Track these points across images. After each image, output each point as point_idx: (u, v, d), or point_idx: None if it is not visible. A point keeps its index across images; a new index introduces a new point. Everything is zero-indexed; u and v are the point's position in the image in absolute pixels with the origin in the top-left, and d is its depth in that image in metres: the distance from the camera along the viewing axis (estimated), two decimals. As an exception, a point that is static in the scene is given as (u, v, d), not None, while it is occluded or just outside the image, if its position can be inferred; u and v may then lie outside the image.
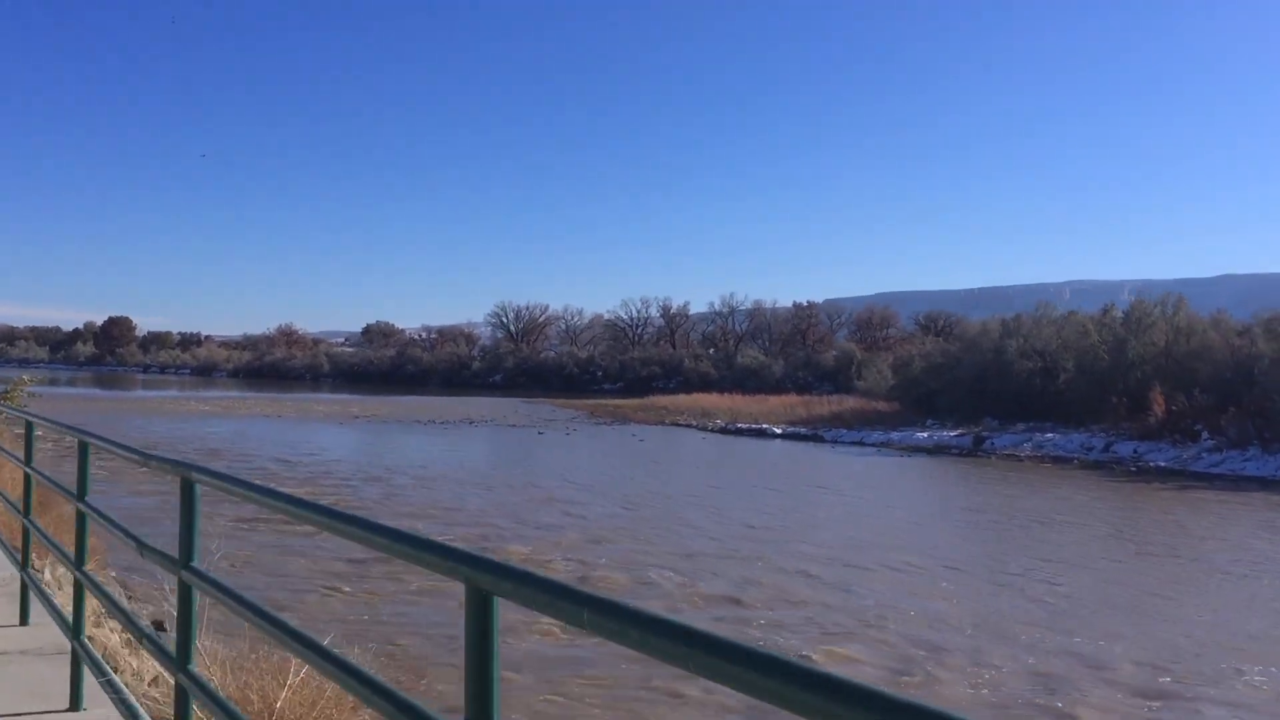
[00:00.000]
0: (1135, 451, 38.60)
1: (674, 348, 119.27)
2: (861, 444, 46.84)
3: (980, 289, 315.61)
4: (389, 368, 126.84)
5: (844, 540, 20.59)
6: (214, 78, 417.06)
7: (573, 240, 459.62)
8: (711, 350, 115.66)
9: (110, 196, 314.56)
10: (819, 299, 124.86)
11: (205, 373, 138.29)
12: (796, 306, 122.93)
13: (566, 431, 51.91)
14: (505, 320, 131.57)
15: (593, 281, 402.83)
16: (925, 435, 46.04)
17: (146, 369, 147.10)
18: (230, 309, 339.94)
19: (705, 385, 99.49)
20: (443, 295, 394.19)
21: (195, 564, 3.68)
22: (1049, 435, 42.54)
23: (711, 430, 55.20)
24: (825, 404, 60.57)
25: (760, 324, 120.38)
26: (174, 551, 3.90)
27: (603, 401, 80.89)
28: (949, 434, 45.73)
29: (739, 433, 53.15)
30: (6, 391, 19.49)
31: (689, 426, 58.35)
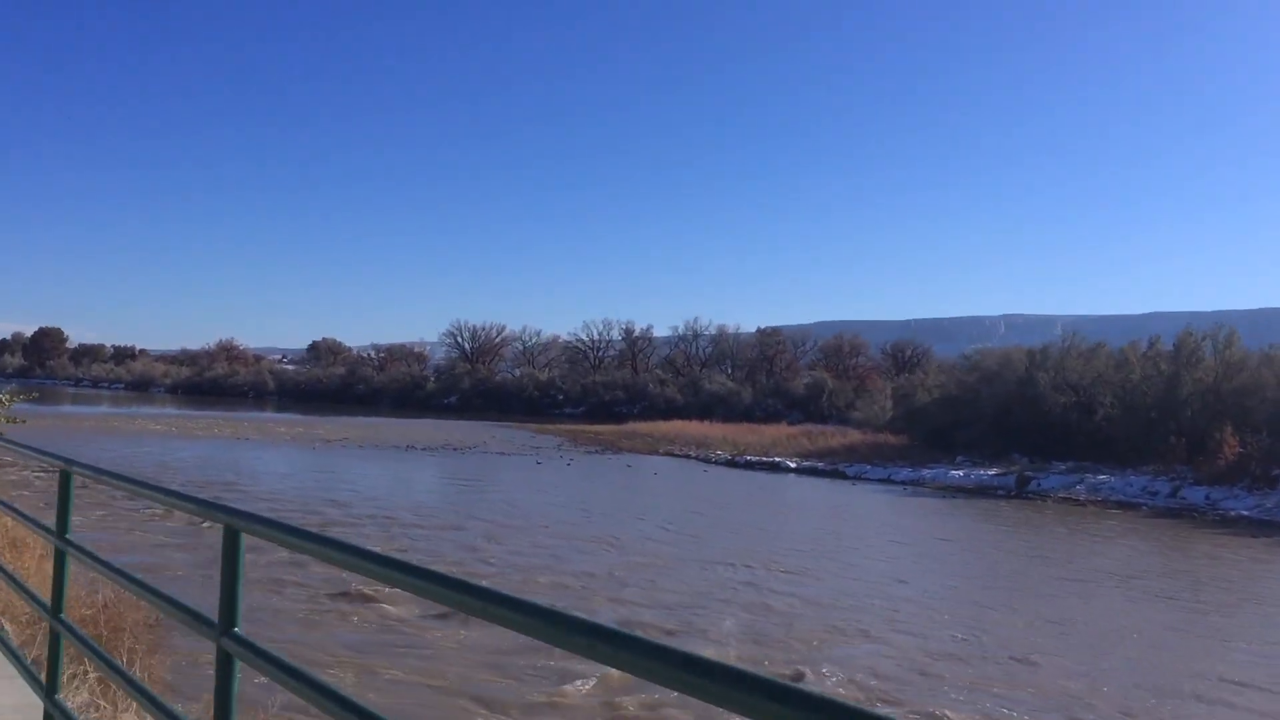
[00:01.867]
0: (1208, 498, 35.37)
1: (636, 372, 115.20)
2: (889, 481, 43.20)
3: (917, 320, 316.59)
4: (338, 387, 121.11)
5: (1031, 627, 16.67)
6: (152, 80, 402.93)
7: (529, 259, 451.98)
8: (678, 376, 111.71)
9: (40, 202, 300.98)
10: (753, 327, 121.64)
11: (141, 388, 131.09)
12: (760, 332, 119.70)
13: (567, 462, 47.52)
14: (460, 340, 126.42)
15: (550, 302, 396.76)
16: (961, 474, 42.51)
17: (78, 383, 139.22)
18: (166, 322, 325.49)
19: (672, 411, 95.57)
20: (392, 312, 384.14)
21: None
22: (1102, 477, 39.21)
23: (716, 463, 51.19)
24: (829, 436, 56.92)
25: (724, 349, 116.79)
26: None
27: (577, 427, 76.48)
28: (986, 473, 42.25)
29: (749, 466, 49.21)
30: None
31: (687, 457, 54.31)
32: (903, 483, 42.74)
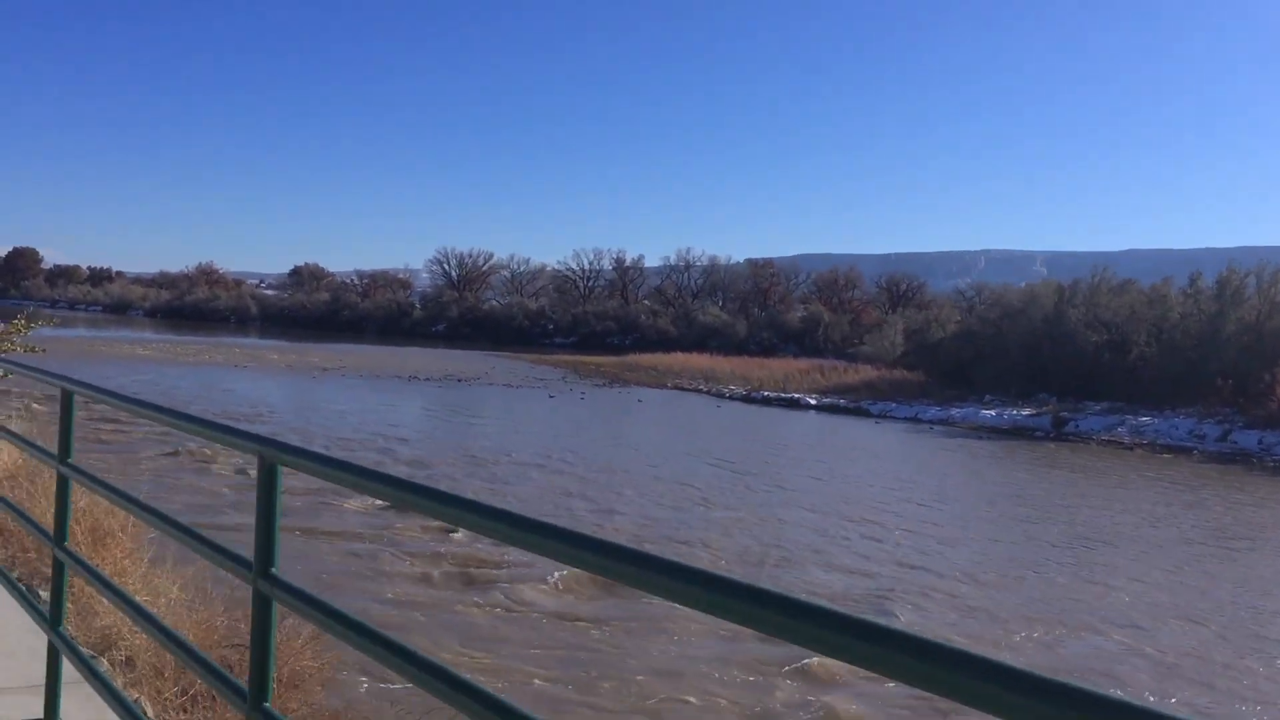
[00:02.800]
0: (1261, 443, 33.78)
1: (626, 302, 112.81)
2: (917, 421, 41.44)
3: (897, 254, 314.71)
4: (322, 313, 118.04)
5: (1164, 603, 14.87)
6: (128, 4, 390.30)
7: (517, 187, 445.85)
8: (668, 307, 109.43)
9: (15, 122, 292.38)
10: (738, 258, 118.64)
11: (119, 311, 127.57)
12: (752, 264, 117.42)
13: (580, 396, 45.44)
14: (447, 267, 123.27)
15: (538, 231, 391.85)
16: (992, 414, 40.77)
17: (54, 304, 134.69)
18: (143, 245, 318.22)
19: (665, 343, 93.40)
20: (374, 238, 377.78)
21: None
22: (1144, 419, 37.54)
23: (730, 398, 49.27)
24: (842, 371, 55.01)
25: (715, 281, 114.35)
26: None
27: (575, 358, 74.33)
28: (1019, 413, 40.53)
29: (766, 402, 47.33)
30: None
31: (698, 391, 52.36)
32: (930, 421, 40.99)
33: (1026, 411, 40.61)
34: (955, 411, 41.81)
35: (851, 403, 45.31)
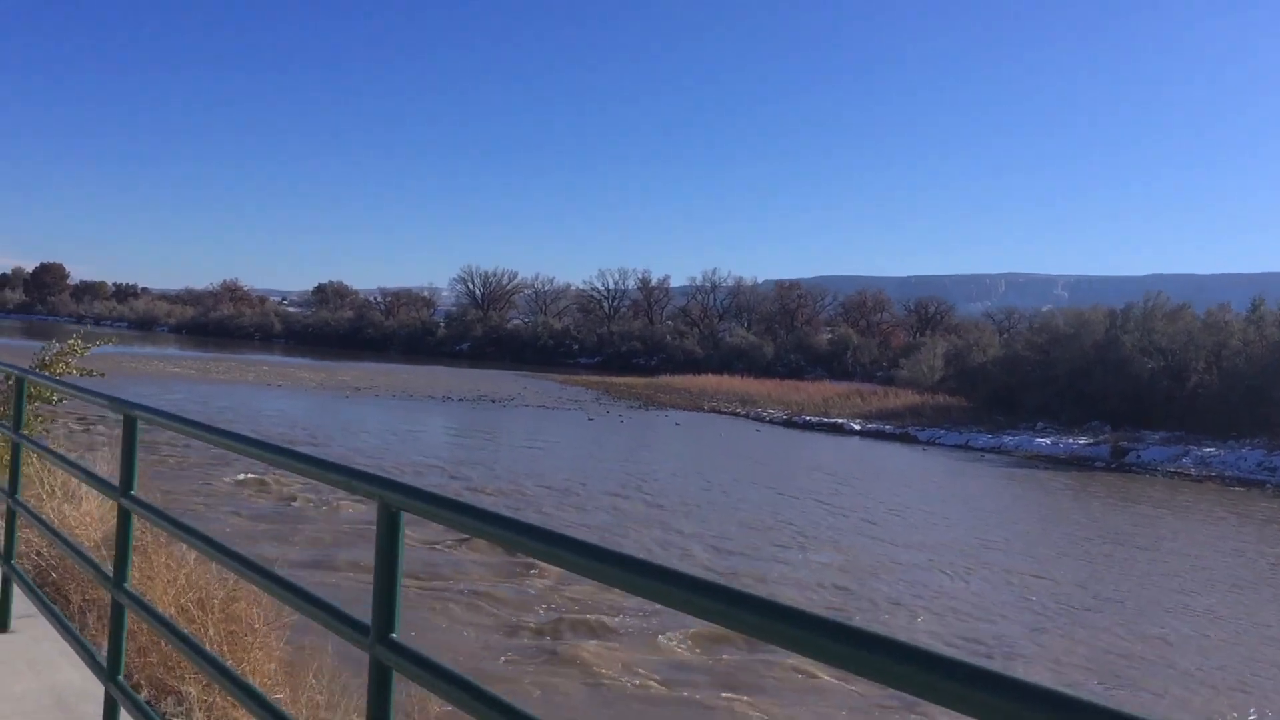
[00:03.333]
0: (1339, 477, 32.28)
1: (651, 322, 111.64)
2: (968, 448, 40.04)
3: (918, 276, 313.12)
4: (347, 331, 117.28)
5: None
6: (159, 20, 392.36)
7: (541, 207, 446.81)
8: (693, 328, 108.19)
9: (45, 137, 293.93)
10: (760, 279, 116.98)
11: (145, 327, 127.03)
12: (780, 285, 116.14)
13: (618, 419, 44.20)
14: (471, 285, 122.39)
15: (562, 251, 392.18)
16: (1047, 442, 39.36)
17: (80, 320, 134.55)
18: (168, 261, 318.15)
19: (691, 364, 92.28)
20: (397, 257, 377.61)
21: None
22: (1209, 450, 36.05)
23: (771, 422, 47.94)
24: (883, 395, 53.62)
25: (741, 302, 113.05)
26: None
27: (604, 378, 72.96)
28: (1074, 441, 39.11)
29: (808, 426, 45.98)
30: (50, 359, 11.66)
31: (735, 415, 51.05)
32: (981, 449, 39.59)
33: (1083, 440, 39.18)
34: (1008, 439, 40.40)
35: (897, 428, 43.90)
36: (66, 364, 11.53)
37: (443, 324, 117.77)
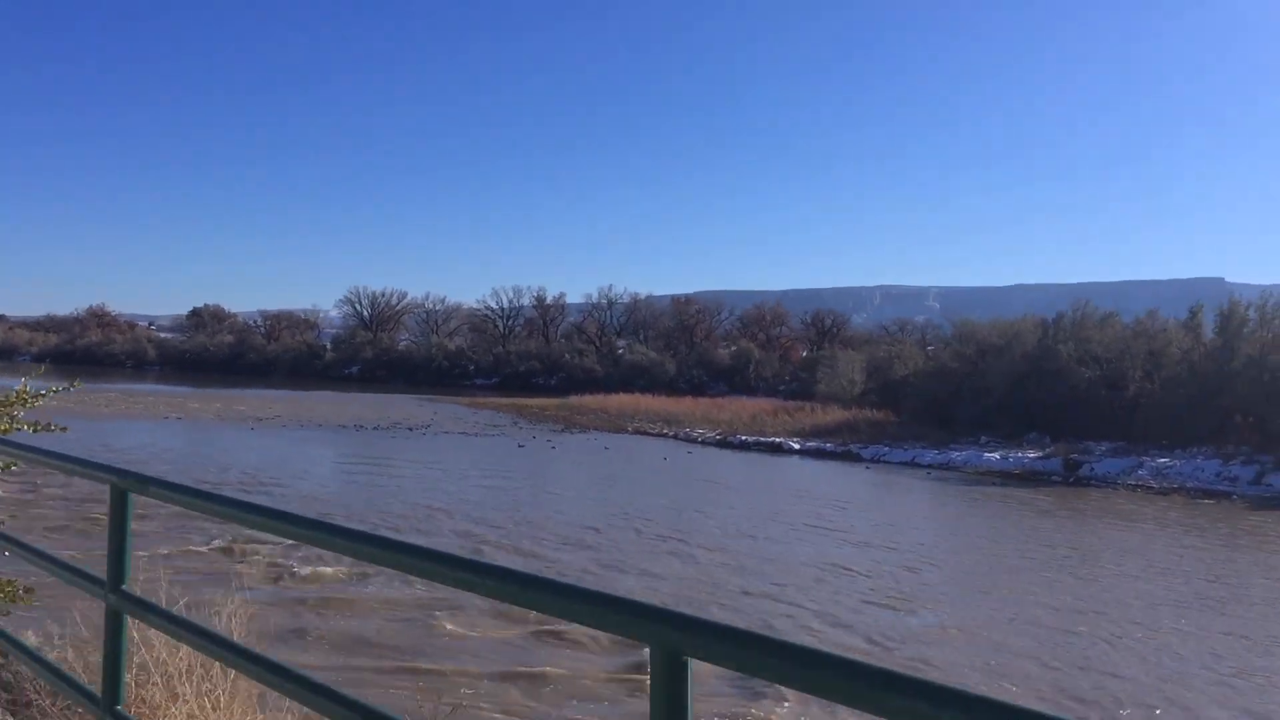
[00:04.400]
0: (1299, 484, 31.68)
1: (548, 341, 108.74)
2: (914, 465, 38.57)
3: (794, 290, 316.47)
4: (227, 356, 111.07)
5: None
6: (21, 27, 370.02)
7: (430, 225, 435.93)
8: (590, 345, 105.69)
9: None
10: (644, 294, 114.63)
11: (4, 356, 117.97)
12: (675, 301, 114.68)
13: (550, 445, 41.39)
14: (359, 306, 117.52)
15: (451, 269, 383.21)
16: (996, 457, 38.16)
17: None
18: (25, 287, 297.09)
19: (593, 383, 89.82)
20: (278, 278, 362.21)
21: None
22: (1163, 460, 35.26)
23: (703, 442, 45.80)
24: (810, 412, 52.00)
25: (638, 318, 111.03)
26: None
27: (511, 400, 69.82)
28: (1024, 456, 38.01)
29: (744, 446, 43.98)
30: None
31: (663, 436, 48.77)
32: (929, 466, 38.16)
33: (1032, 454, 38.11)
34: (955, 454, 39.08)
35: (838, 446, 42.23)
36: (12, 418, 8.53)
37: (330, 347, 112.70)
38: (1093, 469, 35.43)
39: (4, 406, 8.84)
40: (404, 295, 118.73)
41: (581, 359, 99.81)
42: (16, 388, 8.90)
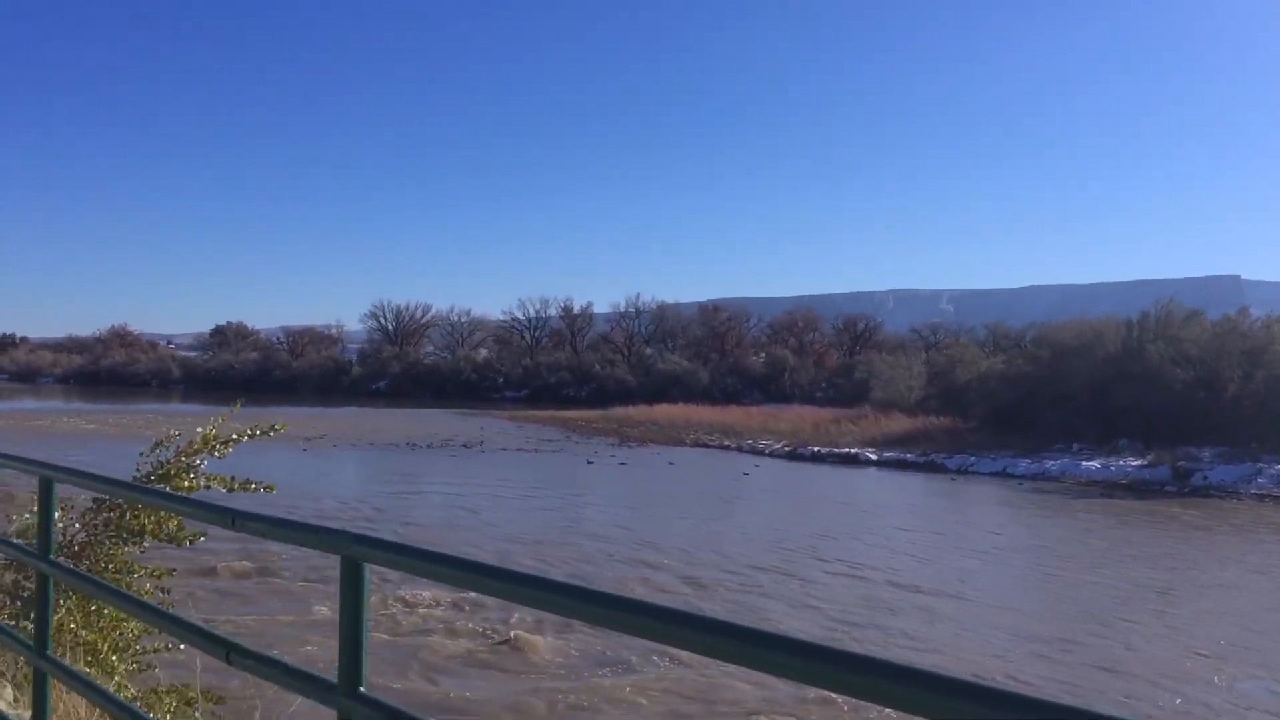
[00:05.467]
0: None
1: (576, 352, 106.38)
2: (1007, 475, 36.15)
3: (807, 296, 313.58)
4: (252, 374, 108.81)
5: None
6: (30, 39, 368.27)
7: (453, 237, 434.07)
8: (618, 354, 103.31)
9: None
10: (655, 302, 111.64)
11: (27, 379, 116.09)
12: (703, 308, 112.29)
13: (620, 461, 39.06)
14: (384, 320, 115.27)
15: (474, 281, 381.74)
16: (1096, 466, 35.73)
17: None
18: (48, 309, 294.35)
19: (625, 393, 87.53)
20: (299, 294, 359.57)
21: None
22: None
23: (771, 454, 43.43)
24: (875, 420, 49.58)
25: (665, 327, 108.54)
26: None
27: (559, 413, 67.35)
28: (1128, 464, 35.58)
29: (816, 458, 41.59)
30: None
31: (725, 449, 46.40)
32: (1021, 477, 35.73)
33: (1134, 462, 35.66)
34: (1050, 464, 36.65)
35: (919, 457, 39.83)
36: (192, 469, 6.38)
37: (356, 362, 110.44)
38: (1205, 477, 32.97)
39: (185, 456, 6.62)
40: (429, 308, 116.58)
41: (613, 369, 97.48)
42: (203, 431, 6.71)
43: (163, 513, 6.18)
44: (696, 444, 48.32)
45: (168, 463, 6.52)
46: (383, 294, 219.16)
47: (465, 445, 43.87)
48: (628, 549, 19.16)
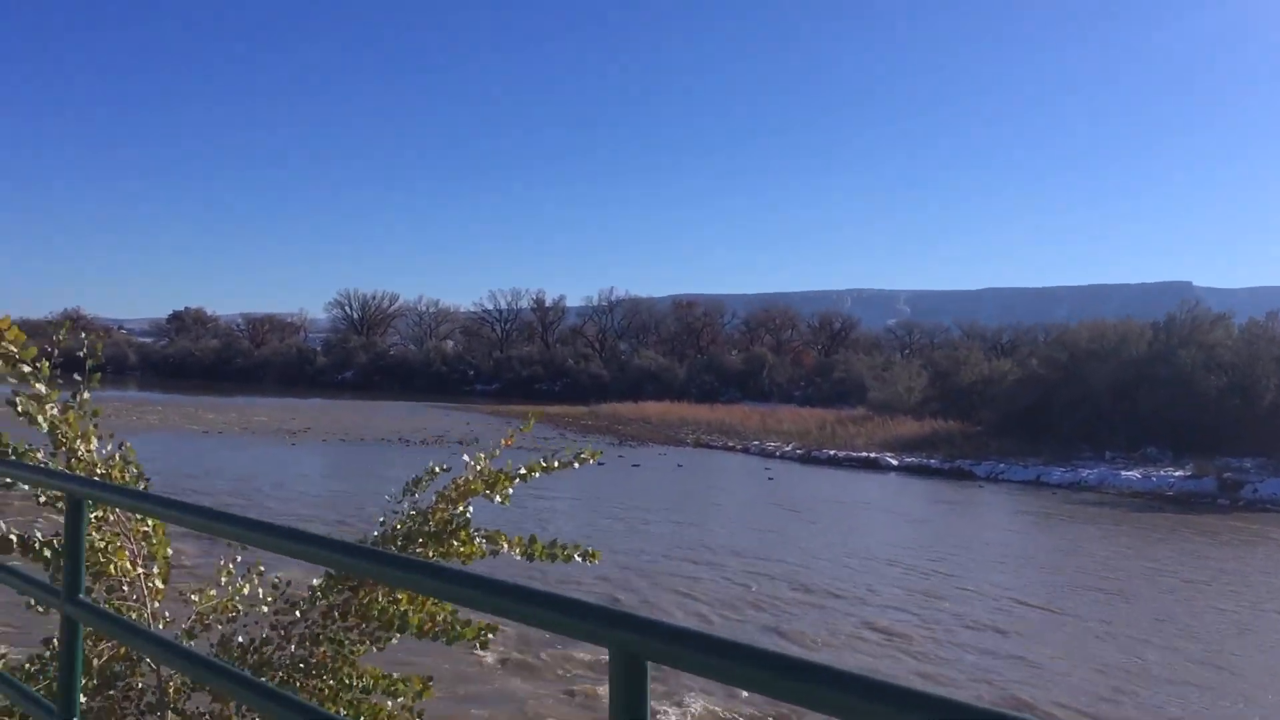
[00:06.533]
0: None
1: (547, 346, 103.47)
2: (1040, 484, 34.03)
3: (766, 294, 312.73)
4: (212, 362, 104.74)
5: None
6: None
7: (421, 226, 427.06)
8: (597, 350, 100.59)
9: None
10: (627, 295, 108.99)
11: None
12: (677, 303, 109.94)
13: (632, 463, 36.44)
14: (349, 309, 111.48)
15: (441, 272, 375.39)
16: (1137, 476, 33.71)
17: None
18: None
19: (600, 389, 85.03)
20: (261, 281, 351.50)
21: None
22: (1336, 479, 30.96)
23: (782, 457, 41.04)
24: (881, 423, 47.34)
25: (638, 322, 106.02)
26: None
27: (540, 408, 64.01)
28: (1170, 474, 33.61)
29: (832, 462, 39.27)
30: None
31: (728, 449, 43.95)
32: (1056, 486, 33.63)
33: (1177, 473, 33.70)
34: (1086, 473, 34.57)
35: (944, 462, 37.64)
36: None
37: (321, 352, 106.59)
38: (1256, 490, 31.04)
39: (447, 502, 4.17)
40: (396, 298, 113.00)
41: (587, 364, 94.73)
42: (470, 459, 4.42)
43: (420, 595, 3.80)
44: (699, 444, 45.82)
45: (435, 510, 4.15)
46: (348, 283, 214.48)
47: (460, 442, 40.89)
48: (777, 585, 16.58)
